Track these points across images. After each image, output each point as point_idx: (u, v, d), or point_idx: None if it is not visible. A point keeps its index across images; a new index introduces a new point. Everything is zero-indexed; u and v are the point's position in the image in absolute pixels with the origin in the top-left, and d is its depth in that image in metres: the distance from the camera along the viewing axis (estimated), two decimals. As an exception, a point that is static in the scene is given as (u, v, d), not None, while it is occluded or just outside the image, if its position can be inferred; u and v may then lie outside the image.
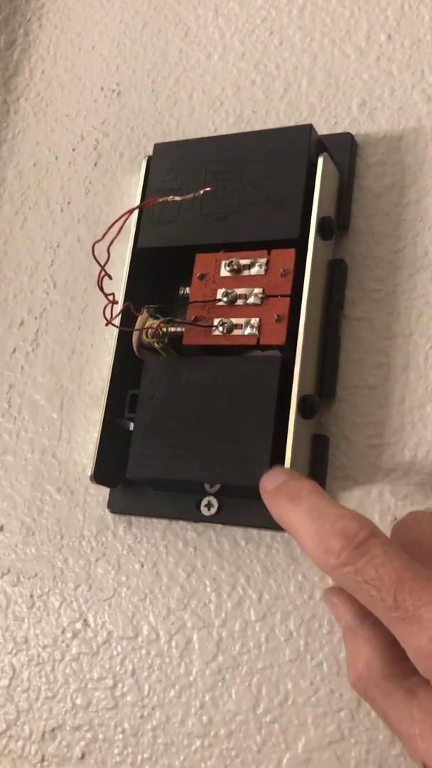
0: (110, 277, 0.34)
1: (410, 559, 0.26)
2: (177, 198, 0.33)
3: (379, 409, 0.39)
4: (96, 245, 0.33)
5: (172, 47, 0.52)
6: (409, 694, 0.27)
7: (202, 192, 0.33)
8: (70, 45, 0.56)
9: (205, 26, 0.51)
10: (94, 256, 0.33)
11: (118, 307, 0.37)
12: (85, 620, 0.42)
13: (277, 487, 0.30)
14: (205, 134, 0.48)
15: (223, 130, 0.48)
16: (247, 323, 0.38)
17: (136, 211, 0.43)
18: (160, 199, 0.34)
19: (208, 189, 0.33)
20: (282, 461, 0.36)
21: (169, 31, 0.52)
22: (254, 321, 0.38)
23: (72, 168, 0.52)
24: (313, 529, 0.27)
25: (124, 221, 0.32)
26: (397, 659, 0.27)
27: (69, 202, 0.51)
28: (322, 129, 0.44)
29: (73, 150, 0.52)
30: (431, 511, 0.30)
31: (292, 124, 0.46)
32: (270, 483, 0.31)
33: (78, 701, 0.41)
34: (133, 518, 0.42)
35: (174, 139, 0.49)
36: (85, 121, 0.53)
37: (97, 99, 0.53)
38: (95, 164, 0.51)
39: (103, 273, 0.33)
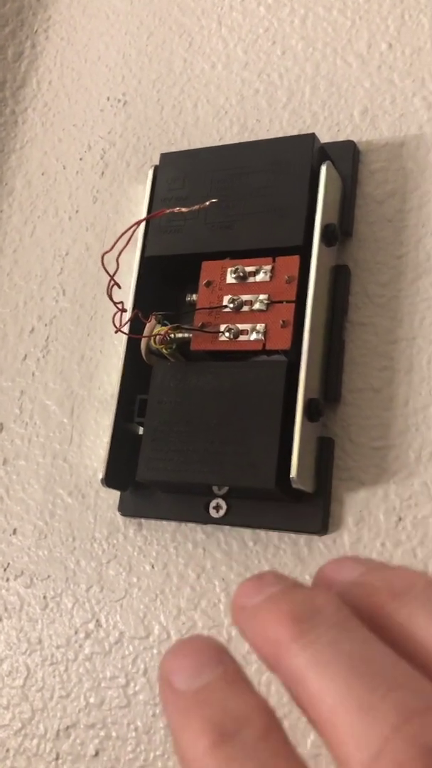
0: (119, 287, 0.35)
1: None
2: (183, 209, 0.34)
3: (384, 411, 0.40)
4: (105, 255, 0.34)
5: (176, 57, 0.53)
6: None
7: (208, 204, 0.34)
8: (77, 56, 0.57)
9: (209, 36, 0.52)
10: (103, 266, 0.34)
11: (127, 315, 0.38)
12: (97, 621, 0.43)
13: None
14: (210, 143, 0.49)
15: (228, 139, 0.49)
16: (253, 329, 0.39)
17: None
18: (167, 211, 0.34)
19: (214, 201, 0.34)
20: (288, 463, 0.37)
21: (173, 42, 0.53)
22: (260, 326, 0.39)
23: (80, 177, 0.53)
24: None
25: (133, 232, 0.33)
26: None
27: (77, 211, 0.52)
28: (325, 137, 0.45)
29: (81, 159, 0.53)
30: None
31: (295, 132, 0.47)
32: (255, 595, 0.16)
33: (91, 700, 0.42)
34: (143, 521, 0.43)
35: (179, 147, 0.50)
36: (92, 131, 0.54)
37: (104, 109, 0.54)
38: (102, 173, 0.52)
39: (112, 283, 0.34)
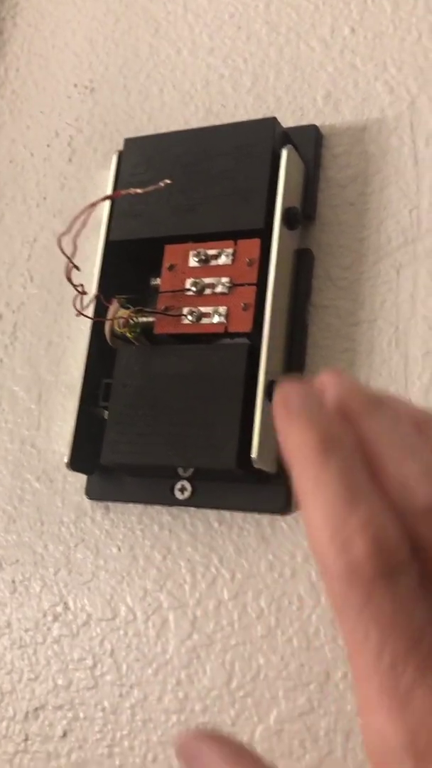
0: (78, 269, 0.35)
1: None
2: (138, 190, 0.34)
3: (345, 392, 0.40)
4: (63, 238, 0.34)
5: (142, 43, 0.53)
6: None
7: (162, 184, 0.34)
8: (44, 43, 0.56)
9: (175, 22, 0.52)
10: (60, 248, 0.34)
11: (88, 298, 0.38)
12: (65, 603, 0.43)
13: (304, 416, 0.20)
14: (176, 128, 0.49)
15: (194, 124, 0.49)
16: (215, 311, 0.39)
17: (108, 205, 0.44)
18: (123, 192, 0.35)
19: (168, 181, 0.35)
20: (250, 444, 0.37)
21: (139, 28, 0.53)
22: (222, 309, 0.39)
23: (47, 164, 0.53)
24: (338, 505, 0.18)
25: (88, 215, 0.33)
26: None
27: (45, 198, 0.52)
28: (288, 121, 0.45)
29: (48, 146, 0.53)
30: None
31: (260, 116, 0.47)
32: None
33: (59, 681, 0.42)
34: (110, 504, 0.44)
35: (146, 133, 0.50)
36: (60, 118, 0.54)
37: (71, 96, 0.54)
38: (70, 160, 0.52)
39: (71, 265, 0.34)
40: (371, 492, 0.19)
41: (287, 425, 0.20)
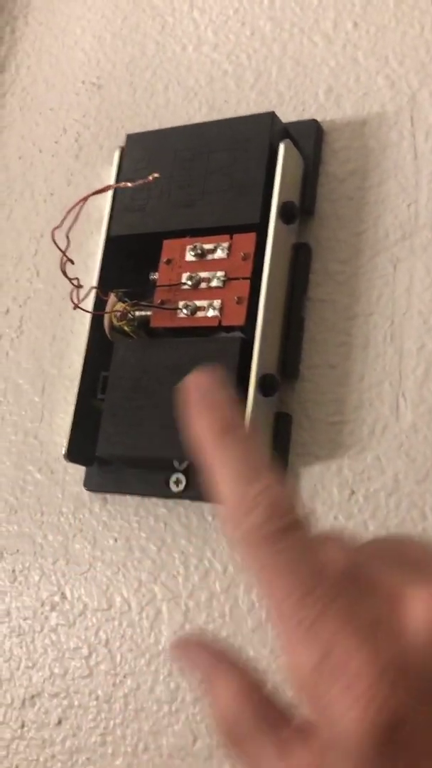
0: (72, 262, 0.36)
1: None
2: (129, 184, 0.35)
3: (340, 387, 0.40)
4: (55, 231, 0.34)
5: (149, 40, 0.53)
6: (281, 752, 0.21)
7: (151, 178, 0.35)
8: (54, 40, 0.57)
9: (181, 18, 0.52)
10: (54, 241, 0.35)
11: (84, 291, 0.39)
12: (62, 593, 0.44)
13: (205, 405, 0.23)
14: (180, 124, 0.49)
15: (198, 120, 0.49)
16: (210, 305, 0.40)
17: (109, 200, 0.44)
18: (113, 186, 0.35)
19: (156, 175, 0.35)
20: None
21: (146, 25, 0.54)
22: (216, 303, 0.39)
23: (55, 160, 0.54)
24: (242, 479, 0.21)
25: (80, 209, 0.34)
26: (263, 703, 0.22)
27: (52, 194, 0.53)
28: (290, 116, 0.45)
29: (56, 143, 0.54)
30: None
31: (261, 112, 0.47)
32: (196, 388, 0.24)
33: (56, 670, 0.42)
34: (108, 496, 0.44)
35: (150, 129, 0.50)
36: (67, 115, 0.54)
37: (79, 92, 0.55)
38: (77, 156, 0.53)
39: (65, 258, 0.35)
40: (264, 467, 0.21)
41: (193, 411, 0.23)
